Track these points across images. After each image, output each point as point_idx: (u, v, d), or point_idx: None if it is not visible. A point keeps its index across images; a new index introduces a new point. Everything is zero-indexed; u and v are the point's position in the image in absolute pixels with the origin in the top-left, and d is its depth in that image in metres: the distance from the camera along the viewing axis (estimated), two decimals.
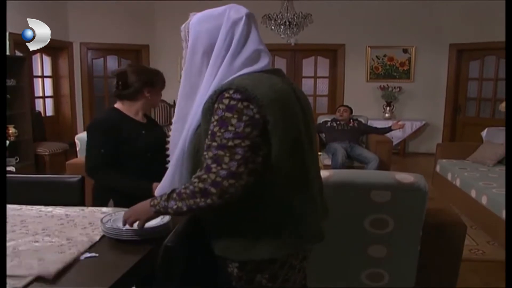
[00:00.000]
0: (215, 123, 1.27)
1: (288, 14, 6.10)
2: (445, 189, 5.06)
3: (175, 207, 1.33)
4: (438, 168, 5.51)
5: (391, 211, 2.11)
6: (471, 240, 3.75)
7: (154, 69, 2.44)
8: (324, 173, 2.18)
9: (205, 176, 1.26)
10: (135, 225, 1.49)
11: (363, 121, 5.98)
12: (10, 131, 5.53)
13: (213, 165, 1.25)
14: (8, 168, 5.10)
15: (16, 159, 5.55)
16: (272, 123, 1.28)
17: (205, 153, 1.28)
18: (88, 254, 1.48)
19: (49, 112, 7.41)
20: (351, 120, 5.86)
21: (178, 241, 1.38)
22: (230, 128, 1.25)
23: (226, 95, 1.27)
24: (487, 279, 3.02)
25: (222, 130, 1.25)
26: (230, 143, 1.24)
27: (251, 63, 1.37)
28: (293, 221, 1.37)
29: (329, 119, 5.98)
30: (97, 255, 1.48)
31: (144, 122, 2.36)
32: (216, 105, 1.28)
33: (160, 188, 1.48)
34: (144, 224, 1.48)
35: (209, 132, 1.28)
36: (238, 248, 1.36)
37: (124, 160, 2.20)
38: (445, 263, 2.23)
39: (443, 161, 5.43)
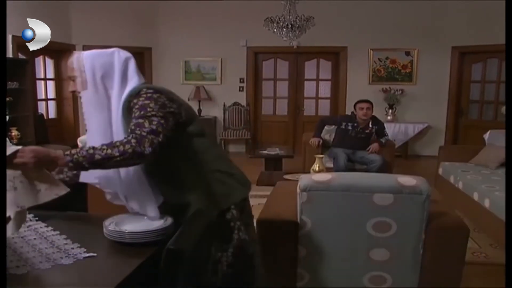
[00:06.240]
0: (136, 108, 1.61)
1: (291, 17, 6.11)
2: (447, 192, 5.04)
3: (90, 152, 1.53)
4: (440, 171, 5.49)
5: (393, 214, 2.11)
6: (474, 243, 3.74)
7: None
8: (326, 176, 2.19)
9: (128, 137, 1.54)
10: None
11: (382, 127, 5.39)
12: (13, 134, 5.54)
13: (136, 129, 1.56)
14: None
15: None
16: (180, 110, 1.69)
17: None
18: (86, 254, 1.48)
19: (52, 114, 7.44)
20: (371, 125, 5.30)
21: (181, 243, 1.38)
22: (148, 109, 1.60)
23: (143, 92, 1.65)
24: (490, 282, 3.01)
25: (142, 112, 1.59)
26: (148, 114, 1.59)
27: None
28: (233, 174, 1.86)
29: (346, 121, 5.35)
30: (95, 254, 1.48)
31: None
32: (135, 101, 1.63)
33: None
34: (34, 161, 1.62)
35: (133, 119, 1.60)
36: (230, 196, 1.82)
37: None
38: (448, 267, 2.23)
39: (446, 163, 5.42)
